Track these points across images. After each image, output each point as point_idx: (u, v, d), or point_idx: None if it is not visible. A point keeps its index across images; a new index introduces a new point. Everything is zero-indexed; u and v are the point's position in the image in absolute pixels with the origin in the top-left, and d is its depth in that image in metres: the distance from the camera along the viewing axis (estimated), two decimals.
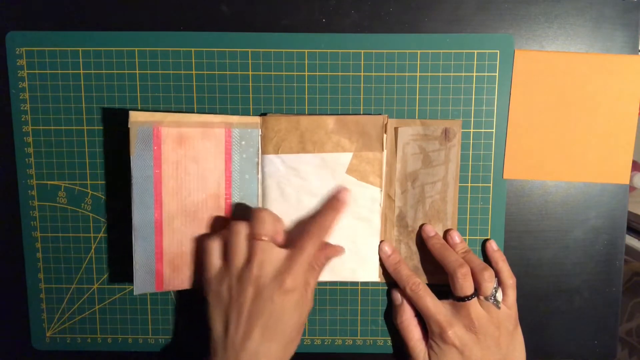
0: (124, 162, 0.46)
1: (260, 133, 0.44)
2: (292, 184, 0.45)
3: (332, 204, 0.44)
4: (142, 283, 0.43)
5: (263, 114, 0.45)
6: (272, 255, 0.39)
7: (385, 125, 0.44)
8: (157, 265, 0.43)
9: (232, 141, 0.44)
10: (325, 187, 0.45)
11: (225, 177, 0.44)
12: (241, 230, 0.41)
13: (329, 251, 0.43)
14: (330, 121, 0.44)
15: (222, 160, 0.44)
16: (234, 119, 0.44)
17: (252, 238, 0.40)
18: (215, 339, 0.40)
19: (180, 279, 0.44)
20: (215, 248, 0.41)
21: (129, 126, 0.41)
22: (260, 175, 0.45)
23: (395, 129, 0.45)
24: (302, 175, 0.45)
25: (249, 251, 0.40)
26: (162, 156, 0.42)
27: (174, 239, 0.44)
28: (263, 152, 0.44)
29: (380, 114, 0.45)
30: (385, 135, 0.44)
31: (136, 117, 0.41)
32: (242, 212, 0.45)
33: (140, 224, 0.43)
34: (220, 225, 0.44)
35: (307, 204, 0.45)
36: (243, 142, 0.44)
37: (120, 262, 0.47)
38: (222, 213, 0.44)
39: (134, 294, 0.43)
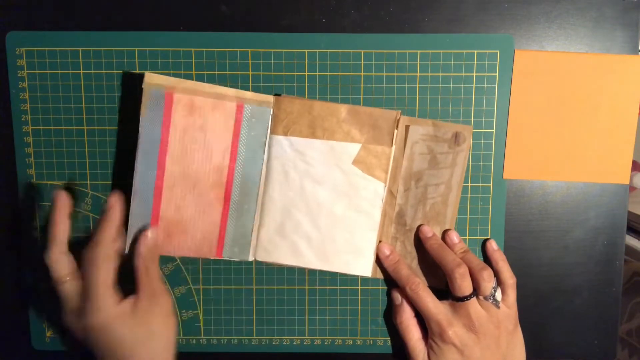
0: (124, 162, 0.46)
1: (271, 112, 0.44)
2: (297, 167, 0.44)
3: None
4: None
5: (277, 94, 0.45)
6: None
7: (398, 121, 0.44)
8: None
9: (243, 117, 0.43)
10: (330, 175, 0.45)
11: (231, 152, 0.44)
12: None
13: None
14: (343, 110, 0.44)
15: (230, 135, 0.44)
16: (248, 94, 0.43)
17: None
18: None
19: (173, 246, 0.44)
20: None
21: (143, 87, 0.41)
22: (265, 155, 0.45)
23: (407, 127, 0.44)
24: (308, 160, 0.44)
25: None
26: (172, 121, 0.42)
27: (172, 206, 0.44)
28: (272, 132, 0.44)
29: (393, 109, 0.45)
30: (396, 131, 0.44)
31: (151, 79, 0.41)
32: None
33: (141, 186, 0.43)
34: (217, 198, 0.44)
35: (310, 190, 0.45)
36: (253, 120, 0.44)
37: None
38: (223, 186, 0.44)
39: (125, 252, 0.43)
